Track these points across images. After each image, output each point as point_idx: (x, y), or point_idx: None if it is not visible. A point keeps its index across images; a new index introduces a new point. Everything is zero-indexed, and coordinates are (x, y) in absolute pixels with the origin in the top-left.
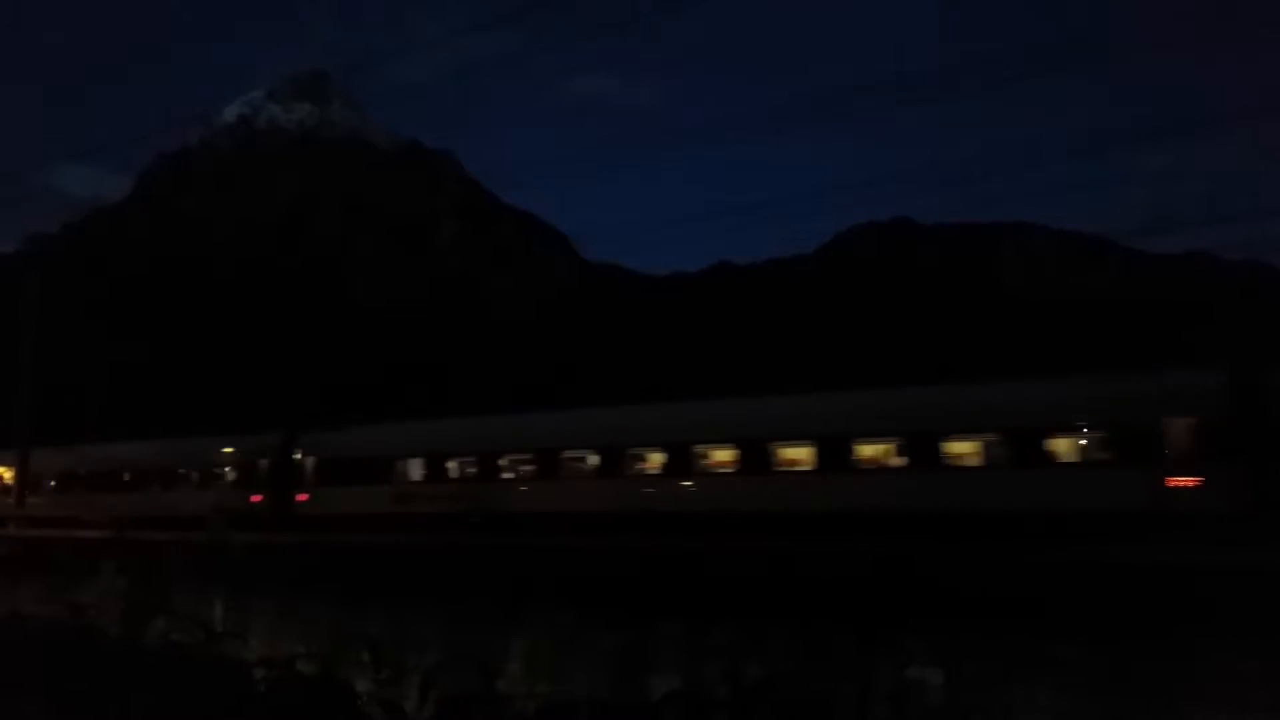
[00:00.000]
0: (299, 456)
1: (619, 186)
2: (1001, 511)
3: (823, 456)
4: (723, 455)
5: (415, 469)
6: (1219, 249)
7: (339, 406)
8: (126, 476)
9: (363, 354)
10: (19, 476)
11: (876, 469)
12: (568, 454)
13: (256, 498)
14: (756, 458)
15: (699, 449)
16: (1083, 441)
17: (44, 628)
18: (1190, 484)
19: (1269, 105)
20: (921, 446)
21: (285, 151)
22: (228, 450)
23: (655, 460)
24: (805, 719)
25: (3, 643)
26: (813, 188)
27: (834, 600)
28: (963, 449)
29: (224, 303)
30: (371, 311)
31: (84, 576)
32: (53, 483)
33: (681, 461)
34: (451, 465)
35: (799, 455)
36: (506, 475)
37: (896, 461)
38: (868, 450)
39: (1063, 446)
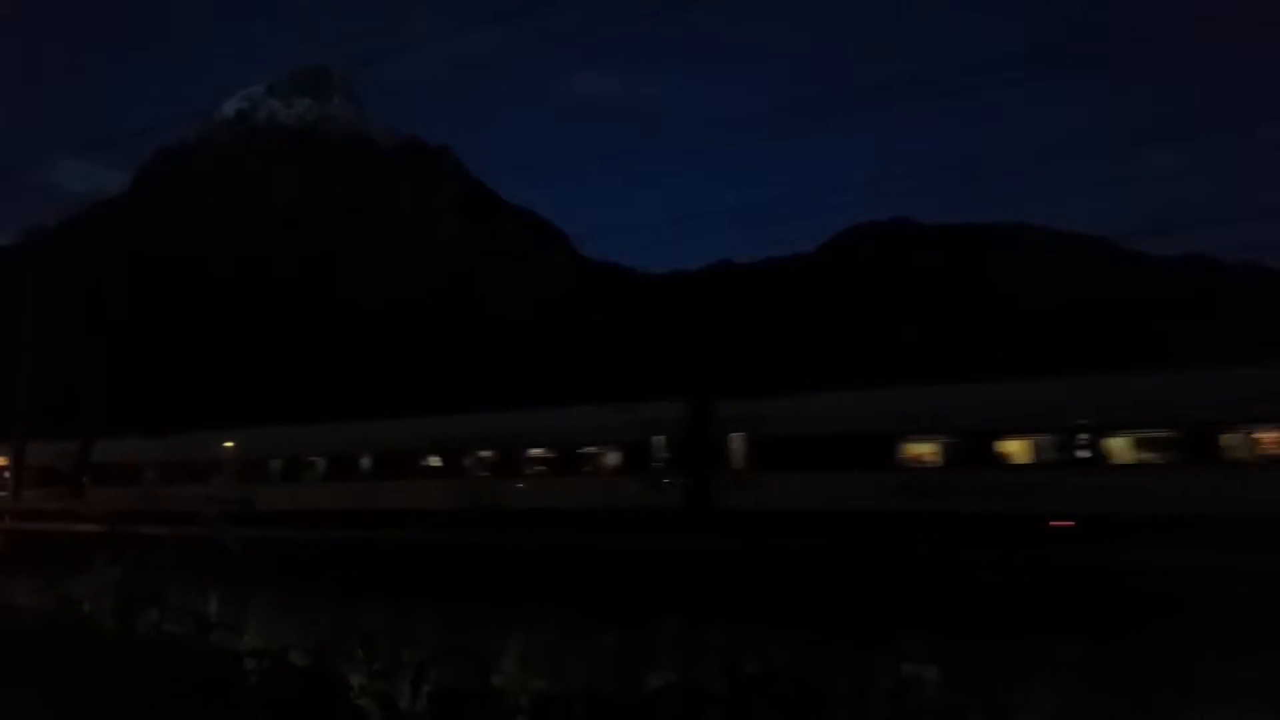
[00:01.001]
0: (719, 433)
1: (619, 185)
2: None
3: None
4: None
5: (931, 451)
6: (1218, 250)
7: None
8: (435, 461)
9: (362, 350)
10: (14, 470)
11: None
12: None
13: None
14: None
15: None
16: None
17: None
18: None
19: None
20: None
21: (285, 147)
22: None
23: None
24: (803, 714)
25: None
26: (813, 187)
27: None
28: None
29: (222, 298)
30: (371, 308)
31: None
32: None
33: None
34: (1003, 446)
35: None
36: (1120, 461)
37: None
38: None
39: None
